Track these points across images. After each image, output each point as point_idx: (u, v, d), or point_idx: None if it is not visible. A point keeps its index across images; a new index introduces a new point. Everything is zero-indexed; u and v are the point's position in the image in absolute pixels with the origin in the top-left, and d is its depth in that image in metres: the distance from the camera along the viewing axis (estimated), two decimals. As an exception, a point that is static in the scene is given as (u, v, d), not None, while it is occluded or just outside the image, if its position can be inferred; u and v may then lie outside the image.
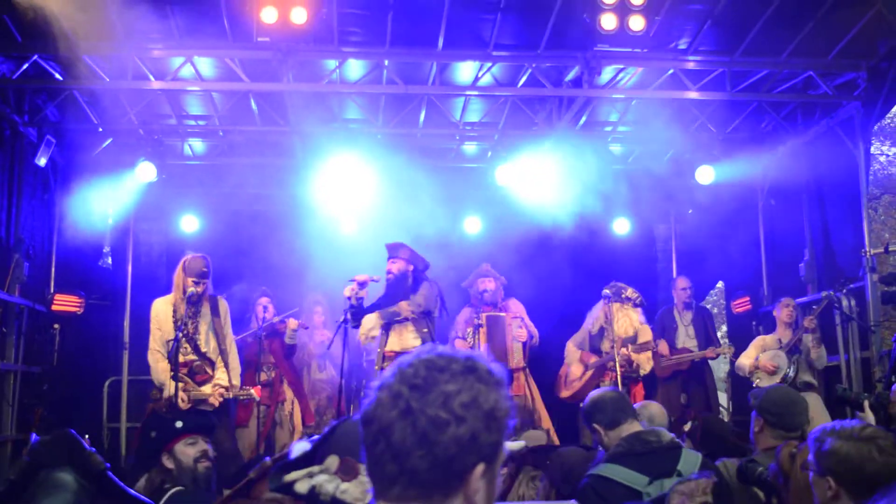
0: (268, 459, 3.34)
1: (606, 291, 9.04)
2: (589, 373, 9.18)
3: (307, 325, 9.59)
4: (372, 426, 1.63)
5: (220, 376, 7.51)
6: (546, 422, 9.14)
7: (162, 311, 7.53)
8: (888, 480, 2.95)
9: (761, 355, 9.14)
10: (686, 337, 10.35)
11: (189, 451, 4.76)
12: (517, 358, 9.20)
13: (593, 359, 9.30)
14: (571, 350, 9.60)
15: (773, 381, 8.63)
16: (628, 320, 9.25)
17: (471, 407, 1.59)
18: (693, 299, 10.58)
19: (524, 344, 9.34)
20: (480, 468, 1.59)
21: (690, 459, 3.82)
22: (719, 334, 11.54)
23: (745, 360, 9.26)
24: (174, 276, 7.62)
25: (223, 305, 7.79)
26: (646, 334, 9.33)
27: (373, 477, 1.64)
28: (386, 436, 1.60)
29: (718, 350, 9.99)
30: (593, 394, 4.45)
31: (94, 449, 3.15)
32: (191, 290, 7.37)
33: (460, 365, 1.65)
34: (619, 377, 8.43)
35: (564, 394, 9.51)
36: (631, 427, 4.04)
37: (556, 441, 8.68)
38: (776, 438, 4.43)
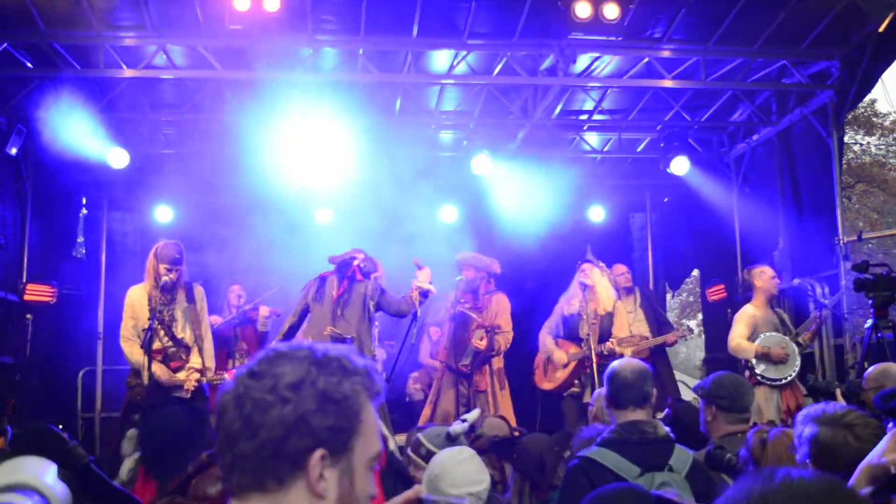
0: (206, 454, 3.31)
1: (589, 257, 8.94)
2: (573, 364, 8.92)
3: (279, 313, 9.54)
4: (217, 414, 1.61)
5: (195, 360, 7.43)
6: (507, 412, 8.95)
7: (137, 298, 7.42)
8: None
9: (766, 337, 8.22)
10: (636, 322, 10.03)
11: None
12: (465, 361, 8.79)
13: (573, 349, 9.03)
14: (547, 339, 9.15)
15: (778, 371, 8.07)
16: (607, 291, 8.93)
17: (298, 388, 1.56)
18: (634, 283, 10.48)
19: (481, 352, 8.85)
20: (318, 454, 1.54)
21: (682, 456, 3.80)
22: (695, 322, 11.53)
23: (739, 339, 8.27)
24: (147, 264, 7.50)
25: (199, 292, 7.69)
26: (621, 313, 8.99)
27: (221, 466, 1.62)
28: (222, 422, 1.59)
29: (677, 334, 9.66)
30: (619, 366, 4.14)
31: (76, 441, 3.12)
32: (164, 278, 7.28)
33: (304, 352, 1.62)
34: (595, 372, 8.28)
35: (547, 385, 9.12)
36: (633, 414, 3.96)
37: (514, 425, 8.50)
38: (731, 423, 4.46)
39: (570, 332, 8.98)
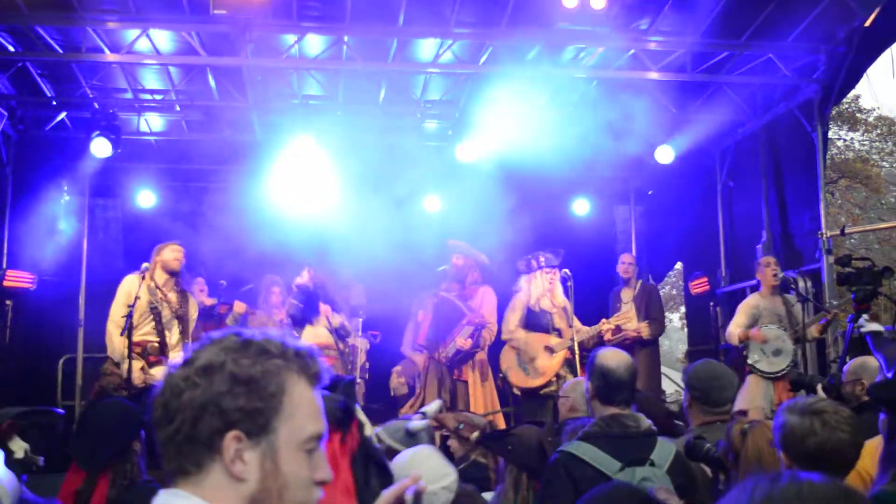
0: None
1: (546, 259, 8.87)
2: (560, 354, 8.76)
3: (254, 310, 9.50)
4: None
5: (176, 360, 7.42)
6: (491, 403, 8.92)
7: (134, 287, 7.45)
8: (833, 456, 2.95)
9: (764, 331, 8.23)
10: (630, 312, 9.83)
11: None
12: (446, 352, 8.80)
13: (554, 339, 8.81)
14: (519, 332, 8.89)
15: (771, 364, 8.11)
16: (559, 290, 8.89)
17: (209, 371, 1.56)
18: (636, 277, 10.50)
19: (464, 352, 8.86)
20: (231, 435, 1.53)
21: (664, 449, 3.76)
22: (678, 315, 11.51)
23: (734, 327, 8.42)
24: (154, 257, 7.62)
25: (192, 302, 7.87)
26: (570, 309, 8.84)
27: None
28: (151, 412, 1.60)
29: (639, 326, 9.59)
30: (614, 362, 3.98)
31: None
32: (177, 263, 7.57)
33: (232, 339, 1.62)
34: (577, 359, 8.28)
35: (533, 383, 8.71)
36: (615, 408, 3.90)
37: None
38: (704, 414, 4.43)
39: (537, 326, 8.88)
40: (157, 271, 7.55)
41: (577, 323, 8.82)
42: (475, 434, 5.07)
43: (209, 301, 9.12)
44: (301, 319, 8.13)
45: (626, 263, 10.31)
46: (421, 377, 9.12)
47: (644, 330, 9.57)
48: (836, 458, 2.94)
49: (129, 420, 3.90)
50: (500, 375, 8.93)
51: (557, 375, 8.63)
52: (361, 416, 2.83)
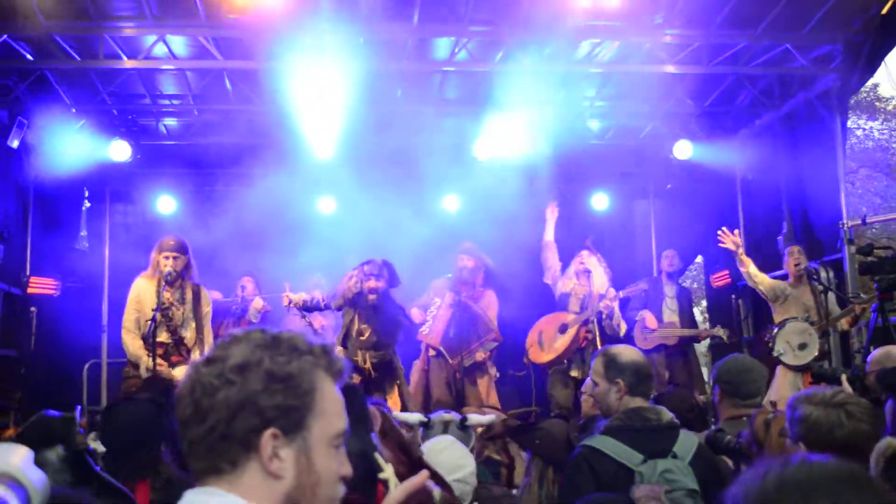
0: None
1: (588, 244, 9.26)
2: (572, 330, 8.93)
3: (270, 308, 9.59)
4: (175, 404, 1.62)
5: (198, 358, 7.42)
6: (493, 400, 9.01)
7: (143, 290, 7.40)
8: (857, 446, 2.95)
9: (789, 326, 8.17)
10: (669, 311, 10.20)
11: None
12: (463, 362, 8.88)
13: (570, 316, 9.01)
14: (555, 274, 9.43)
15: (797, 357, 8.10)
16: (602, 278, 9.12)
17: (244, 369, 1.57)
18: (658, 273, 10.60)
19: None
20: (268, 433, 1.55)
21: (687, 442, 3.76)
22: (699, 309, 11.55)
23: (760, 274, 8.65)
24: (151, 255, 7.53)
25: (205, 296, 7.73)
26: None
27: (182, 457, 1.65)
28: (178, 411, 1.60)
29: (713, 332, 9.95)
30: (640, 359, 4.01)
31: (81, 430, 3.13)
32: (167, 267, 7.28)
33: (259, 335, 1.63)
34: (597, 336, 8.41)
35: (546, 357, 9.08)
36: (635, 401, 3.91)
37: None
38: (734, 407, 4.45)
39: (561, 307, 9.24)
40: (152, 270, 7.44)
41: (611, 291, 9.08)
42: (488, 429, 5.10)
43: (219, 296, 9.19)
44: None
45: (670, 257, 10.41)
46: (418, 367, 9.23)
47: (703, 333, 10.05)
48: (858, 448, 2.95)
49: (150, 425, 3.91)
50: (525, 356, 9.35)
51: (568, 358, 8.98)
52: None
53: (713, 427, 4.33)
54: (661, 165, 11.83)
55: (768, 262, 10.03)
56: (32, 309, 10.04)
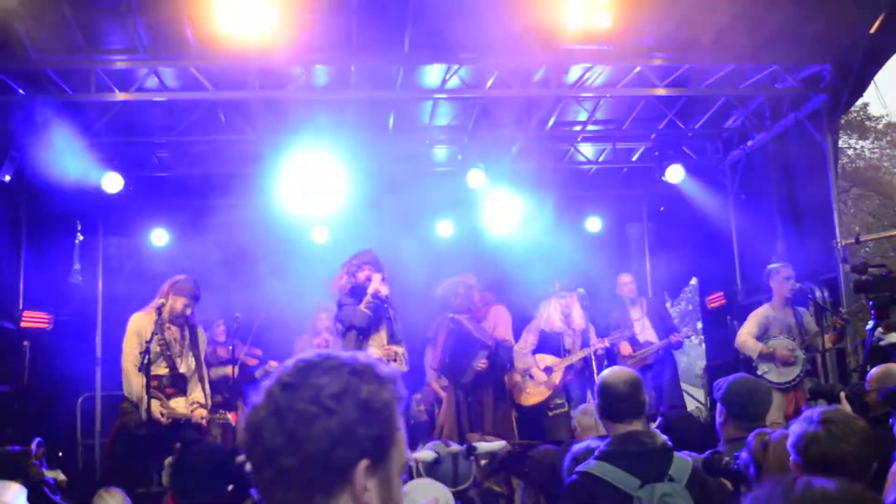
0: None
1: (561, 285, 9.28)
2: (559, 371, 9.00)
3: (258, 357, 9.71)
4: (249, 431, 1.57)
5: (198, 395, 7.41)
6: (507, 425, 8.95)
7: (143, 326, 7.33)
8: (838, 465, 2.94)
9: (774, 342, 8.44)
10: (645, 329, 10.14)
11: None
12: (466, 378, 8.78)
13: (552, 359, 9.11)
14: (527, 357, 9.21)
15: (781, 374, 8.31)
16: (579, 315, 9.20)
17: (341, 398, 1.53)
18: (638, 294, 10.53)
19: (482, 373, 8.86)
20: (364, 464, 1.53)
21: (681, 464, 3.75)
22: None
23: (745, 336, 8.55)
24: (162, 290, 7.47)
25: (202, 336, 7.77)
26: (591, 329, 9.36)
27: (257, 485, 1.58)
28: (259, 438, 1.54)
29: (678, 336, 9.89)
30: (611, 378, 4.00)
31: (40, 462, 3.22)
32: (186, 311, 7.36)
33: (336, 361, 1.60)
34: (595, 370, 8.41)
35: (531, 400, 9.08)
36: (629, 426, 3.90)
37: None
38: (740, 430, 4.42)
39: (550, 347, 9.21)
40: (167, 310, 7.42)
41: (594, 338, 9.23)
42: (485, 461, 5.09)
43: (223, 351, 9.20)
44: (367, 329, 7.80)
45: (627, 283, 10.36)
46: (444, 402, 9.18)
47: (673, 338, 9.89)
48: (842, 468, 2.93)
49: (225, 466, 4.04)
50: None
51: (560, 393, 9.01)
52: None
53: (719, 448, 4.31)
54: (654, 188, 11.86)
55: (763, 284, 10.02)
56: (25, 343, 10.00)
